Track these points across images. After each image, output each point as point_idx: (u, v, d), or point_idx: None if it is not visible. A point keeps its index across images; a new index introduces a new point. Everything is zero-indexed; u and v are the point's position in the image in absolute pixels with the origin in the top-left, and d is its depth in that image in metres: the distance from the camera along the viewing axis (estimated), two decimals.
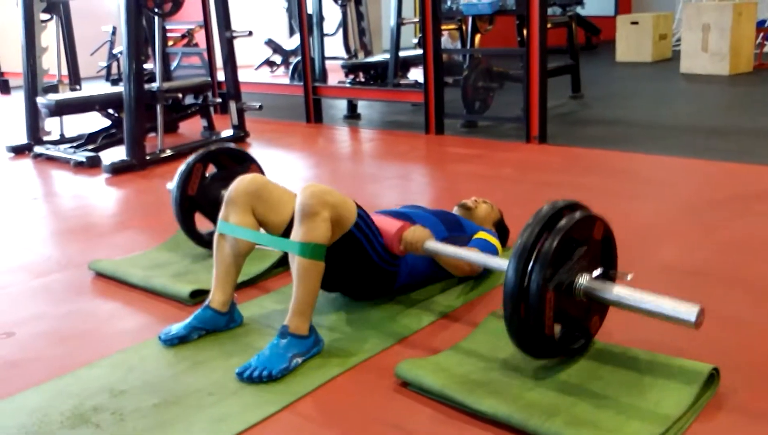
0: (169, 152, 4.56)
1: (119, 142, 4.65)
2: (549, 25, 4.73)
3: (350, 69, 6.75)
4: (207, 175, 2.58)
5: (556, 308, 1.60)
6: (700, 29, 7.42)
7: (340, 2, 7.10)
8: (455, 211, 2.48)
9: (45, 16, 5.55)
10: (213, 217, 2.56)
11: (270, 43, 9.47)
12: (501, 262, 1.81)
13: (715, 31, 7.30)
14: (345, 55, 7.27)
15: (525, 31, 4.57)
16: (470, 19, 5.34)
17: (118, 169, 4.28)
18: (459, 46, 6.81)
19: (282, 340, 1.79)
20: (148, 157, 4.43)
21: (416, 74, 6.58)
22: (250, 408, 1.64)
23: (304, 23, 5.96)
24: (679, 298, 1.57)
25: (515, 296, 1.58)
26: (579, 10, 9.58)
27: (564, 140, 4.60)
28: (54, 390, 1.77)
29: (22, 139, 5.15)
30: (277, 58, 9.64)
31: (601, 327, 1.78)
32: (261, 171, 2.68)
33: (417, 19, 6.30)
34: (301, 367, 1.80)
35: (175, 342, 1.97)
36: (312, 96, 5.92)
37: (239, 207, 2.02)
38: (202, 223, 2.64)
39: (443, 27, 5.56)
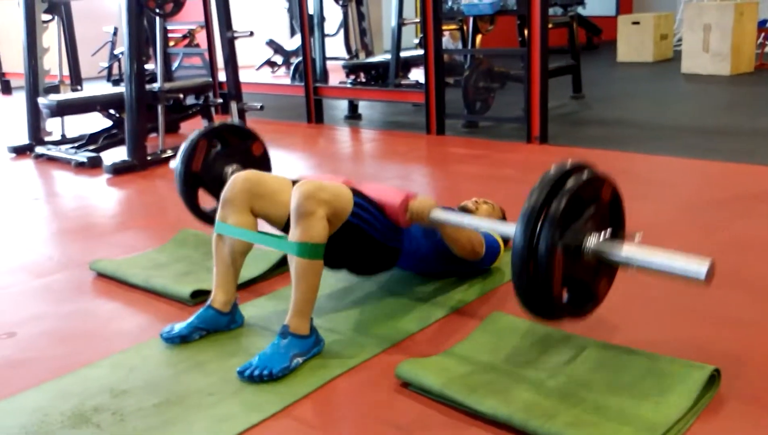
0: (170, 153, 4.56)
1: (120, 142, 4.65)
2: (550, 26, 4.73)
3: (351, 69, 6.75)
4: (211, 151, 2.55)
5: (564, 270, 1.57)
6: (701, 29, 7.42)
7: (341, 2, 7.10)
8: None
9: (46, 17, 5.56)
10: (216, 194, 2.54)
11: (271, 43, 9.47)
12: (508, 226, 1.78)
13: (717, 31, 7.30)
14: (346, 56, 7.28)
15: (526, 32, 4.57)
16: (471, 20, 5.34)
17: (119, 170, 4.29)
18: (460, 46, 6.81)
19: (283, 340, 1.80)
20: (149, 158, 4.43)
21: (417, 74, 6.58)
22: (250, 408, 1.64)
23: (305, 23, 5.96)
24: (691, 254, 1.55)
25: (524, 257, 1.54)
26: (580, 10, 9.59)
27: (565, 141, 4.59)
28: (55, 390, 1.77)
29: (24, 139, 5.16)
30: (278, 59, 9.64)
31: (603, 327, 1.77)
32: (265, 148, 2.65)
33: (418, 20, 6.29)
34: (302, 367, 1.80)
35: (176, 341, 1.97)
36: (313, 96, 5.92)
37: (236, 207, 2.02)
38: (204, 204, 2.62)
39: (444, 27, 5.56)
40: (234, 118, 5.22)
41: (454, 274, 2.33)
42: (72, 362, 1.92)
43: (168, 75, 5.70)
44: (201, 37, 7.30)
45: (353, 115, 6.16)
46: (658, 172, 3.78)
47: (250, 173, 2.09)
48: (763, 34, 8.02)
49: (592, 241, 1.61)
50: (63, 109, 4.71)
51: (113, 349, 1.99)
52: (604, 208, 1.67)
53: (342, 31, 7.51)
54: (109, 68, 8.91)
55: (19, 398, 1.75)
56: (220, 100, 5.57)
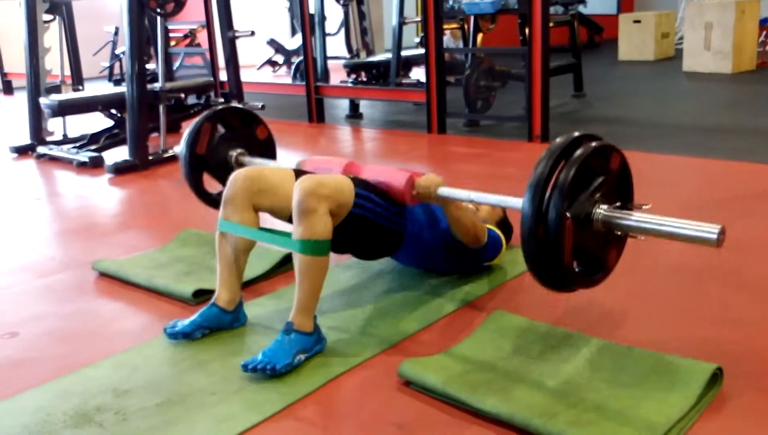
0: (171, 152, 4.56)
1: (122, 142, 4.65)
2: (551, 24, 4.72)
3: (352, 68, 6.75)
4: (215, 134, 2.55)
5: (575, 238, 1.55)
6: (702, 27, 7.41)
7: (342, 2, 7.11)
8: None
9: (48, 17, 5.56)
10: (221, 178, 2.54)
11: (272, 42, 9.47)
12: (516, 200, 1.76)
13: (718, 29, 7.29)
14: (347, 55, 7.28)
15: (527, 30, 4.56)
16: (472, 18, 5.33)
17: (120, 169, 4.29)
18: (461, 45, 6.81)
19: (286, 337, 1.80)
20: (150, 157, 4.43)
21: (418, 73, 6.58)
22: (252, 407, 1.65)
23: (306, 23, 5.96)
24: (700, 221, 1.56)
25: (533, 226, 1.53)
26: (581, 8, 9.56)
27: None
28: (57, 389, 1.78)
29: (26, 139, 5.17)
30: (280, 58, 9.64)
31: (604, 327, 1.77)
32: (269, 132, 2.65)
33: (419, 19, 6.28)
34: (304, 365, 1.80)
35: (179, 338, 1.97)
36: (314, 95, 5.92)
37: (238, 205, 2.02)
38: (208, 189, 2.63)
39: (445, 26, 5.56)
40: None
41: (456, 271, 2.33)
42: (74, 362, 1.92)
43: (169, 75, 5.71)
44: (202, 37, 7.30)
45: (354, 114, 6.16)
46: (659, 170, 3.78)
47: (250, 170, 2.09)
48: (764, 32, 8.01)
49: (602, 209, 1.60)
50: (64, 109, 4.72)
51: (115, 348, 1.99)
52: (613, 177, 1.66)
53: (343, 30, 7.52)
54: (111, 68, 8.91)
55: (22, 398, 1.75)
56: (222, 100, 5.57)
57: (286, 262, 2.49)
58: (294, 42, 9.26)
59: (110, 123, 4.93)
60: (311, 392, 1.71)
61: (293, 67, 8.03)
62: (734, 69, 7.29)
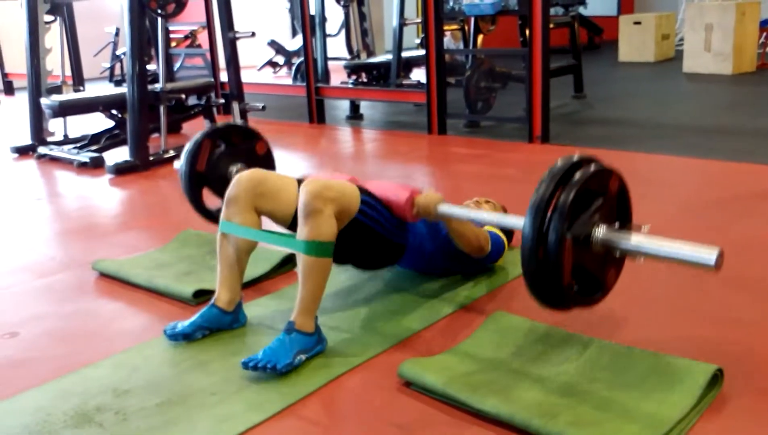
0: (172, 153, 4.57)
1: (122, 142, 4.66)
2: (551, 25, 4.72)
3: (353, 69, 6.75)
4: (215, 151, 2.56)
5: (574, 259, 1.58)
6: (702, 29, 7.42)
7: (342, 3, 7.11)
8: None
9: (49, 18, 5.56)
10: (221, 193, 2.55)
11: (273, 44, 9.48)
12: (517, 220, 1.79)
13: (718, 30, 7.29)
14: (347, 56, 7.28)
15: (527, 32, 4.57)
16: (472, 20, 5.34)
17: (121, 170, 4.29)
18: (461, 46, 6.81)
19: (288, 336, 1.80)
20: (151, 158, 4.44)
21: (419, 75, 6.59)
22: (253, 407, 1.65)
23: (307, 24, 5.96)
24: (697, 243, 1.56)
25: (534, 246, 1.55)
26: (581, 10, 9.59)
27: (567, 140, 4.59)
28: (57, 389, 1.78)
29: (26, 139, 5.17)
30: (280, 59, 9.65)
31: (605, 327, 1.78)
32: (269, 148, 2.66)
33: (419, 20, 6.29)
34: (305, 366, 1.80)
35: (179, 339, 1.97)
36: (315, 96, 5.92)
37: (241, 206, 2.03)
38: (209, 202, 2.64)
39: (446, 27, 5.56)
40: (236, 119, 5.22)
41: (458, 272, 2.33)
42: (74, 362, 1.92)
43: (170, 75, 5.71)
44: (203, 38, 7.32)
45: (355, 115, 6.16)
46: (659, 171, 3.78)
47: (254, 172, 2.09)
48: (765, 34, 8.01)
49: (601, 231, 1.62)
50: (65, 110, 4.72)
51: (115, 348, 1.99)
52: (612, 199, 1.68)
53: (343, 31, 7.52)
54: (111, 69, 8.92)
55: (22, 398, 1.75)
56: (222, 101, 5.57)
57: (285, 263, 2.49)
58: (294, 43, 9.27)
59: (111, 123, 4.93)
60: (312, 392, 1.71)
61: (294, 68, 8.03)
62: (734, 70, 7.30)
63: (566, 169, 1.60)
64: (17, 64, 8.18)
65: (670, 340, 1.82)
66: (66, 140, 5.20)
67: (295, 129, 5.82)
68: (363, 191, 2.02)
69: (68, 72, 6.12)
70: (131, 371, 1.85)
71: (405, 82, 6.56)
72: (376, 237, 2.04)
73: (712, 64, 7.39)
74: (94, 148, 4.75)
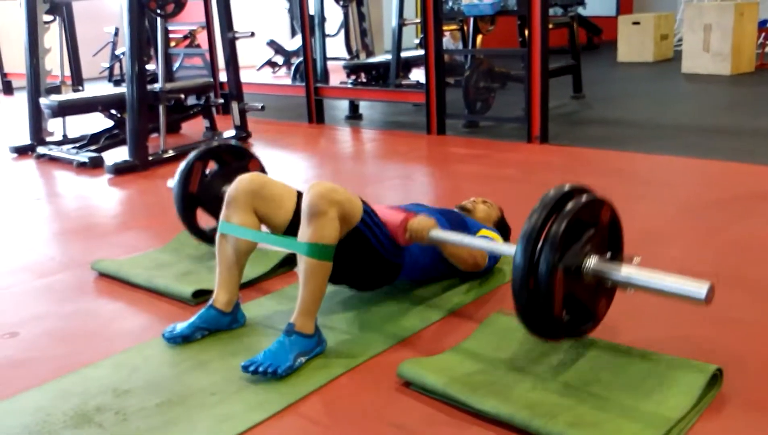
0: (171, 153, 4.57)
1: (122, 142, 4.65)
2: (550, 26, 4.73)
3: (352, 69, 6.75)
4: (207, 172, 2.58)
5: (565, 290, 1.59)
6: (701, 29, 7.42)
7: (341, 3, 7.11)
8: None
9: (48, 18, 5.56)
10: (215, 214, 2.56)
11: (272, 44, 9.48)
12: (508, 248, 1.81)
13: (717, 31, 7.30)
14: (347, 56, 7.28)
15: (526, 32, 4.57)
16: (472, 20, 5.34)
17: (120, 170, 4.29)
18: (461, 46, 6.82)
19: (288, 338, 1.80)
20: (150, 158, 4.44)
21: (418, 75, 6.59)
22: (252, 407, 1.65)
23: (306, 24, 5.96)
24: (688, 277, 1.56)
25: (524, 276, 1.56)
26: (580, 10, 9.59)
27: (565, 140, 4.60)
28: (57, 390, 1.77)
29: (25, 139, 5.17)
30: (279, 59, 9.65)
31: (605, 327, 1.78)
32: (261, 167, 2.67)
33: (418, 20, 6.30)
34: (305, 366, 1.80)
35: (178, 341, 1.97)
36: (314, 96, 5.92)
37: (240, 207, 2.03)
38: (203, 220, 2.65)
39: (445, 28, 5.57)
40: (235, 119, 5.22)
41: (456, 276, 2.33)
42: (74, 362, 1.92)
43: (169, 75, 5.71)
44: (202, 38, 7.31)
45: (354, 115, 6.16)
46: (658, 171, 3.78)
47: (256, 175, 2.10)
48: (763, 34, 8.03)
49: (592, 262, 1.63)
50: (64, 110, 4.72)
51: (115, 348, 1.99)
52: (604, 230, 1.69)
53: (343, 31, 7.52)
54: (111, 69, 8.92)
55: (21, 398, 1.75)
56: (221, 101, 5.57)
57: (283, 264, 2.49)
58: (294, 43, 9.27)
59: (110, 123, 4.93)
60: (311, 392, 1.71)
61: (293, 68, 8.04)
62: (733, 71, 7.31)
63: (558, 198, 1.62)
64: (16, 64, 8.18)
65: (669, 340, 1.83)
66: (65, 140, 5.20)
67: (294, 129, 5.82)
68: (365, 203, 2.02)
69: (67, 72, 6.11)
70: (131, 371, 1.85)
71: (404, 82, 6.56)
72: (374, 254, 2.02)
73: (711, 64, 7.40)
74: (93, 148, 4.75)
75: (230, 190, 2.05)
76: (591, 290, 1.67)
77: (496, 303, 2.17)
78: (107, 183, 4.16)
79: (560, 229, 1.56)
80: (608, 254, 1.69)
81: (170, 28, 6.98)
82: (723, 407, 1.56)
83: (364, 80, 6.71)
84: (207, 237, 2.60)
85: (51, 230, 3.35)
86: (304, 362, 1.80)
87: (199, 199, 2.56)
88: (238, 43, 5.24)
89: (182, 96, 5.03)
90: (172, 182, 2.58)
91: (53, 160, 4.84)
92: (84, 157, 4.56)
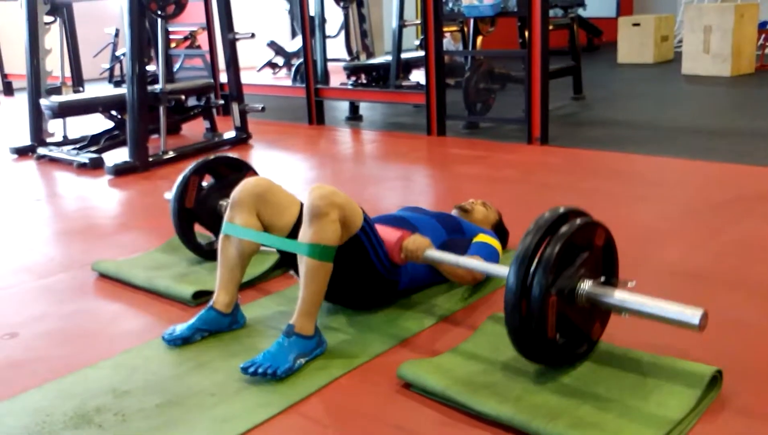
0: (171, 154, 4.57)
1: (122, 143, 4.66)
2: (550, 27, 4.73)
3: (352, 71, 6.75)
4: (204, 185, 2.57)
5: (558, 313, 1.60)
6: (701, 31, 7.43)
7: (342, 4, 7.11)
8: (453, 213, 2.48)
9: (49, 18, 5.57)
10: (212, 227, 2.56)
11: (272, 45, 9.49)
12: (502, 270, 1.80)
13: (717, 32, 7.31)
14: (347, 57, 7.29)
15: (526, 33, 4.57)
16: (472, 21, 5.34)
17: (120, 171, 4.29)
18: (461, 47, 6.82)
19: (287, 340, 1.80)
20: (150, 159, 4.44)
21: (418, 76, 6.59)
22: (252, 409, 1.65)
23: (306, 25, 5.97)
24: (682, 303, 1.57)
25: (517, 301, 1.57)
26: (580, 11, 9.60)
27: (566, 141, 4.60)
28: (57, 390, 1.77)
29: (26, 140, 5.17)
30: (280, 60, 9.65)
31: (605, 329, 1.78)
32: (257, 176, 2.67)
33: (419, 21, 6.30)
34: (305, 367, 1.80)
35: (178, 343, 1.97)
36: (314, 98, 5.92)
37: (245, 209, 2.03)
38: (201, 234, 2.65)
39: (445, 29, 5.57)
40: (235, 120, 5.22)
41: None
42: (74, 363, 1.92)
43: (169, 76, 5.71)
44: (202, 39, 7.32)
45: (354, 116, 6.17)
46: (659, 173, 3.78)
47: (262, 179, 2.11)
48: (763, 36, 8.03)
49: (586, 285, 1.63)
50: (65, 111, 4.72)
51: (115, 349, 1.99)
52: (598, 253, 1.69)
53: (343, 32, 7.52)
54: (111, 70, 8.92)
55: (21, 398, 1.75)
56: (222, 102, 5.58)
57: (277, 267, 2.49)
58: (294, 44, 9.27)
59: (110, 124, 4.93)
60: (311, 394, 1.71)
61: (293, 69, 8.04)
62: (733, 72, 7.31)
63: (552, 221, 1.61)
64: (17, 65, 8.18)
65: (669, 341, 1.83)
66: (65, 141, 5.20)
67: (294, 130, 5.82)
68: (365, 213, 2.01)
69: (68, 73, 6.12)
70: (131, 372, 1.85)
71: (404, 83, 6.57)
72: (371, 268, 2.01)
73: (711, 65, 7.40)
74: (93, 149, 4.75)
75: (235, 192, 2.06)
76: (585, 313, 1.67)
77: (496, 304, 2.17)
78: (107, 184, 4.16)
79: (554, 253, 1.56)
80: (602, 278, 1.69)
81: (171, 29, 6.99)
82: (723, 408, 1.56)
83: (365, 81, 6.71)
84: (204, 251, 2.60)
85: (51, 231, 3.35)
86: (304, 363, 1.80)
87: (195, 213, 2.55)
88: (239, 44, 5.24)
89: (183, 97, 5.03)
90: (170, 195, 2.58)
91: (53, 160, 4.84)
92: (84, 158, 4.56)
